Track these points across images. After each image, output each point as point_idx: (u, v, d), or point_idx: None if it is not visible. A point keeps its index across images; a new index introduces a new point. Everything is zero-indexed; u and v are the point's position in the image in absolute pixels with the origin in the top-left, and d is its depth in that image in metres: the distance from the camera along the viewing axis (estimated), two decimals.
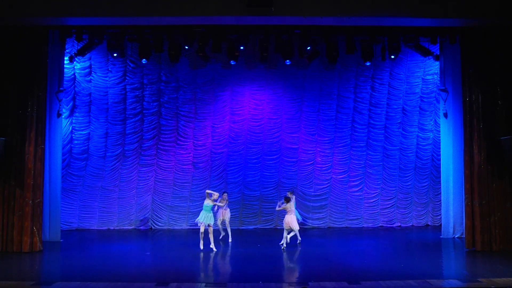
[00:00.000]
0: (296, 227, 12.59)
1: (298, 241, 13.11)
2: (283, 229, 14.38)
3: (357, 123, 16.35)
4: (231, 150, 16.27)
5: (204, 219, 12.36)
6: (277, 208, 13.08)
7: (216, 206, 13.14)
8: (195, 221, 12.68)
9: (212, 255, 12.17)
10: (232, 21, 12.13)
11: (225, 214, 14.03)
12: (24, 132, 12.47)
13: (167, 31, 12.97)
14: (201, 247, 12.35)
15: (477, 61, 12.69)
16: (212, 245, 12.41)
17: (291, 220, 12.56)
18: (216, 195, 12.63)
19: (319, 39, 13.43)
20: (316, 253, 12.29)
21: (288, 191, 13.96)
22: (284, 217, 12.80)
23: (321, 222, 16.25)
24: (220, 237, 14.00)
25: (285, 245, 12.52)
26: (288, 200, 12.68)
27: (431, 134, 16.46)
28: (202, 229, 12.41)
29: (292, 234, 12.64)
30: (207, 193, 12.60)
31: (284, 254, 12.16)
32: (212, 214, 12.54)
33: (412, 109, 16.31)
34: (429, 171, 16.56)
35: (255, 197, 16.25)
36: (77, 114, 15.63)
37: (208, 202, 12.45)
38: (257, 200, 16.24)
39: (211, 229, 12.46)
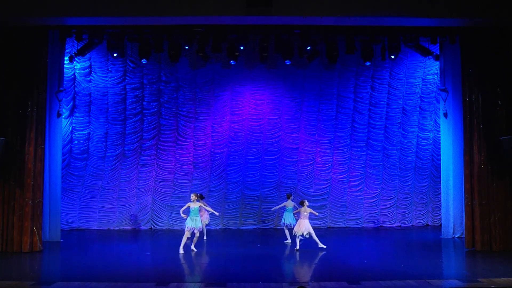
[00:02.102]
0: (301, 231, 12.33)
1: (287, 241, 13.32)
2: (282, 229, 14.42)
3: (357, 123, 16.36)
4: (231, 150, 16.27)
5: (193, 224, 12.02)
6: (277, 207, 13.16)
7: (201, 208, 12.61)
8: (189, 229, 12.03)
9: (212, 255, 12.17)
10: (232, 21, 12.12)
11: (206, 216, 13.73)
12: (24, 132, 12.46)
13: (167, 31, 12.97)
14: (181, 251, 11.99)
15: (477, 61, 12.68)
16: (192, 246, 12.23)
17: (306, 224, 12.35)
18: (193, 197, 12.23)
19: (319, 39, 13.42)
20: (316, 253, 12.27)
21: (287, 193, 14.20)
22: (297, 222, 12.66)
23: (321, 222, 16.23)
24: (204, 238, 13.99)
25: (297, 246, 12.37)
26: (303, 203, 12.53)
27: (431, 134, 16.47)
28: (188, 234, 12.08)
29: (299, 238, 12.42)
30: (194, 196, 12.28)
31: (285, 254, 12.17)
32: (199, 218, 12.24)
33: (412, 109, 16.32)
34: (429, 171, 16.57)
35: (255, 197, 16.25)
36: (77, 114, 15.63)
37: (193, 206, 12.11)
38: (257, 200, 16.24)
39: (198, 233, 12.20)
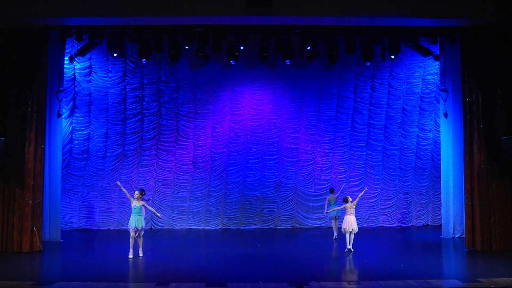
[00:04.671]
0: (350, 227, 12.09)
1: (334, 237, 13.75)
2: (283, 229, 14.50)
3: (357, 123, 16.36)
4: (231, 150, 16.27)
5: (136, 223, 11.39)
6: (332, 209, 13.41)
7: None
8: (132, 229, 11.41)
9: (212, 255, 12.15)
10: (232, 21, 12.13)
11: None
12: (24, 132, 12.46)
13: (167, 31, 12.97)
14: (131, 255, 11.40)
15: (477, 61, 12.68)
16: (140, 250, 11.62)
17: (353, 221, 12.16)
18: (137, 194, 11.56)
19: (319, 39, 13.43)
20: (316, 253, 12.28)
21: (330, 188, 14.54)
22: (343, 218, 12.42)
23: (321, 222, 16.23)
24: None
25: (351, 248, 12.08)
26: (346, 200, 12.38)
27: (431, 134, 16.47)
28: (133, 234, 11.39)
29: (352, 235, 12.16)
30: (139, 194, 11.54)
31: (285, 254, 12.15)
32: (142, 218, 11.58)
33: (412, 109, 16.32)
34: (429, 171, 16.57)
35: (255, 197, 16.24)
36: (77, 114, 15.63)
37: (135, 204, 11.46)
38: (257, 200, 16.24)
39: (141, 233, 11.54)
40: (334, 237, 13.86)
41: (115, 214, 15.94)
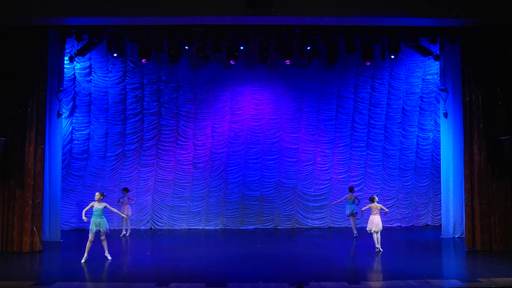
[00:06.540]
0: (376, 227, 12.05)
1: (355, 235, 14.10)
2: (283, 229, 14.40)
3: (357, 123, 16.36)
4: (231, 150, 16.27)
5: (97, 226, 11.04)
6: (361, 210, 13.21)
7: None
8: (93, 232, 11.04)
9: (212, 255, 12.15)
10: (232, 21, 12.13)
11: (128, 211, 14.28)
12: (24, 132, 12.47)
13: (167, 31, 12.97)
14: (83, 260, 10.97)
15: (477, 61, 12.69)
16: (106, 253, 11.28)
17: (378, 220, 12.10)
18: (98, 195, 11.24)
19: (319, 39, 13.44)
20: (316, 253, 12.27)
21: (349, 187, 14.83)
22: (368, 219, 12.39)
23: (321, 222, 16.25)
24: (121, 235, 14.48)
25: (379, 247, 12.11)
26: (373, 199, 12.31)
27: (431, 134, 16.47)
28: (91, 237, 11.01)
29: (378, 234, 12.14)
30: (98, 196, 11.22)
31: (284, 254, 12.15)
32: (104, 219, 11.19)
33: (412, 109, 16.33)
34: (429, 171, 16.57)
35: (255, 197, 16.25)
36: (77, 114, 15.64)
37: (96, 206, 11.11)
38: (257, 200, 16.24)
39: (104, 236, 11.18)
40: (355, 235, 14.07)
41: (115, 214, 15.84)
